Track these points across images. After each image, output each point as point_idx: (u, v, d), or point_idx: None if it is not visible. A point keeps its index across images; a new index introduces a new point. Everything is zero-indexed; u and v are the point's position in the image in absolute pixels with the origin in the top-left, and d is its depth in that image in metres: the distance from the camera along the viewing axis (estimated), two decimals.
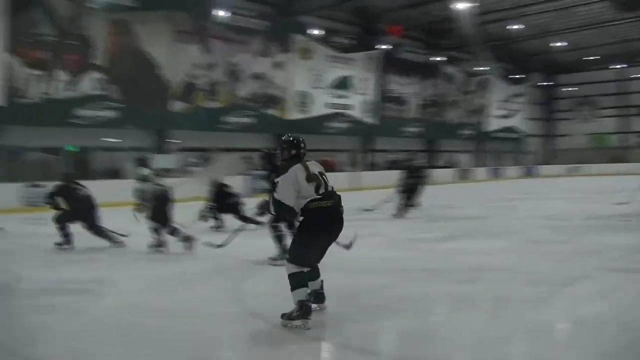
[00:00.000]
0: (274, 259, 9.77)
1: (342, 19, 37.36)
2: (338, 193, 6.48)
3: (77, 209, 11.77)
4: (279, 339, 5.97)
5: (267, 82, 33.43)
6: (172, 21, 28.72)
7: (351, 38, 38.04)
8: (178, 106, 29.46)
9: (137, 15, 27.27)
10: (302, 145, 6.54)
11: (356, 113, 38.85)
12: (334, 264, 7.23)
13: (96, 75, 26.23)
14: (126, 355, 5.67)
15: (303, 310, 6.10)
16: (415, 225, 16.16)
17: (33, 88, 24.32)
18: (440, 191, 27.72)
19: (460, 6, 29.99)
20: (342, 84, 37.78)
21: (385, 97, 41.17)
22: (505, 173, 48.66)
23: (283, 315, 6.18)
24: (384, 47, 39.11)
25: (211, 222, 14.86)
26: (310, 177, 6.23)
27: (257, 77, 32.89)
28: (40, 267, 10.18)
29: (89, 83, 25.98)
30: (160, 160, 26.73)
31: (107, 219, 12.22)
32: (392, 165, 36.10)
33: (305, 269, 6.30)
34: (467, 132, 49.16)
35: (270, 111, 33.75)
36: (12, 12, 23.36)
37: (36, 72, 24.40)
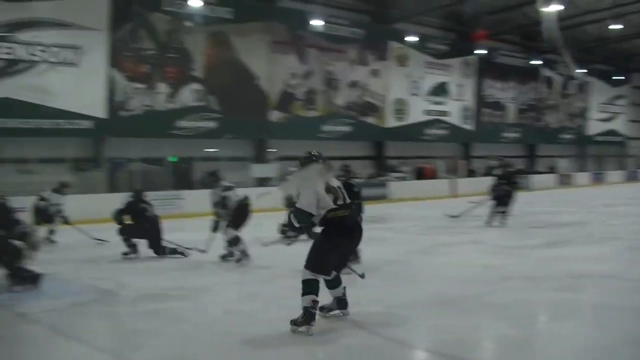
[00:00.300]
0: None
1: (437, 25, 35.94)
2: (360, 204, 7.03)
3: (143, 228, 11.90)
4: (376, 347, 5.88)
5: (363, 90, 32.46)
6: (269, 32, 28.33)
7: (447, 44, 36.55)
8: (276, 116, 28.93)
9: (234, 27, 27.03)
10: (321, 160, 6.81)
11: (454, 119, 37.32)
12: (436, 271, 7.73)
13: (195, 86, 26.15)
14: None
15: (307, 317, 6.16)
16: (515, 232, 15.34)
17: (135, 101, 24.44)
18: (541, 197, 26.46)
19: (554, 8, 28.18)
20: (439, 90, 36.36)
21: (483, 103, 39.37)
22: (607, 178, 45.87)
23: (291, 322, 6.24)
24: (480, 51, 37.44)
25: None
26: (329, 189, 6.43)
27: (353, 85, 31.97)
28: (142, 274, 10.20)
29: (189, 95, 25.92)
30: (259, 170, 26.50)
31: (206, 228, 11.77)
32: (490, 172, 34.50)
33: (320, 277, 6.36)
34: (567, 136, 46.56)
35: (368, 119, 32.74)
36: (114, 27, 23.57)
37: (138, 85, 24.56)
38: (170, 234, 12.08)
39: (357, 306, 7.07)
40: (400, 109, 34.11)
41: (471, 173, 37.05)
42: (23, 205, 13.27)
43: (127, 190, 20.90)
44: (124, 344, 6.23)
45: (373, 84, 32.82)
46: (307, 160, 6.85)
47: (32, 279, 8.60)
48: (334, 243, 6.42)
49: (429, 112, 35.81)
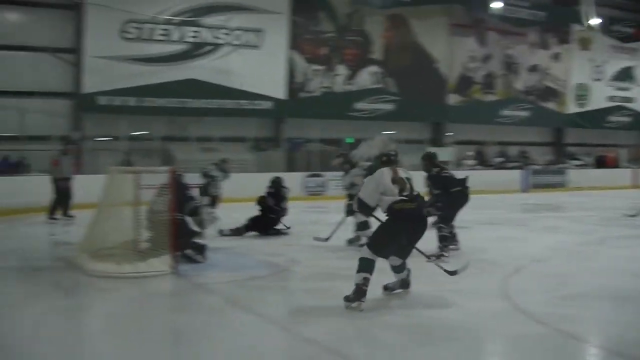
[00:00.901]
0: (431, 256, 8.11)
1: (624, 7, 31.98)
2: (423, 197, 6.53)
3: (281, 209, 11.79)
4: (546, 338, 5.42)
5: (544, 74, 29.32)
6: (448, 14, 26.35)
7: (634, 26, 32.51)
8: (454, 99, 26.83)
9: (413, 10, 25.36)
10: (393, 152, 6.66)
11: (639, 106, 33.24)
12: (611, 264, 7.25)
13: (374, 69, 24.90)
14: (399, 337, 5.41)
15: (358, 293, 6.08)
16: None
17: (314, 82, 23.81)
18: None
19: None
20: (624, 75, 32.05)
21: None
22: None
23: (344, 298, 6.15)
24: None
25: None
26: (395, 180, 6.32)
27: (533, 69, 28.95)
28: (313, 252, 9.76)
29: (367, 77, 24.81)
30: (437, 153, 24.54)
31: None
32: None
33: (377, 259, 6.24)
34: None
35: (547, 104, 29.54)
36: (295, 11, 22.94)
37: (317, 67, 23.87)
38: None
39: (525, 295, 6.76)
40: (582, 94, 30.53)
41: None
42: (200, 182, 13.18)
43: (305, 170, 20.47)
44: (294, 318, 6.11)
45: (554, 68, 29.58)
46: (381, 153, 6.69)
47: (200, 251, 8.58)
48: (394, 231, 6.28)
49: (612, 98, 31.74)
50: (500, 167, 26.46)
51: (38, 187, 13.95)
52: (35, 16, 19.89)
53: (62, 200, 13.90)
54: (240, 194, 15.42)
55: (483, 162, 26.76)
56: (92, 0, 19.20)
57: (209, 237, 9.36)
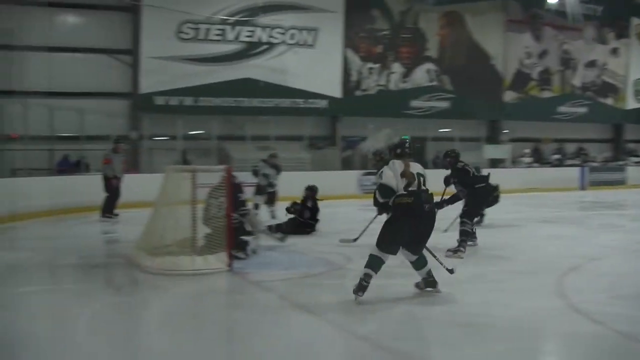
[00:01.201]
0: (452, 251, 8.51)
1: None
2: (431, 193, 6.15)
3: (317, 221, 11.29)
4: (603, 336, 5.08)
5: (601, 69, 27.95)
6: (504, 10, 25.36)
7: None
8: (510, 96, 25.76)
9: (468, 7, 24.59)
10: (407, 146, 6.40)
11: None
12: None
13: (429, 66, 24.07)
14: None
15: (358, 286, 5.98)
16: None
17: (369, 80, 23.18)
18: None
19: None
20: None
21: None
22: None
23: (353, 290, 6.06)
24: None
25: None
26: (405, 173, 6.09)
27: (591, 64, 27.62)
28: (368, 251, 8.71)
29: (422, 75, 24.00)
30: (492, 151, 23.76)
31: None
32: None
33: (384, 256, 6.04)
34: None
35: (605, 100, 28.17)
36: (349, 9, 22.42)
37: (372, 65, 23.22)
38: None
39: (580, 294, 6.42)
40: None
41: None
42: (255, 181, 12.92)
43: (360, 168, 19.80)
44: (350, 317, 5.75)
45: (612, 63, 28.18)
46: (395, 146, 6.45)
47: (242, 247, 8.40)
48: (394, 227, 6.11)
49: None
50: (557, 164, 25.29)
51: (97, 187, 13.66)
52: (93, 19, 19.83)
53: (112, 199, 13.60)
54: (296, 193, 14.85)
55: (540, 159, 25.62)
56: (149, 2, 18.95)
57: (261, 236, 9.10)
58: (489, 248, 9.28)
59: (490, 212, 11.85)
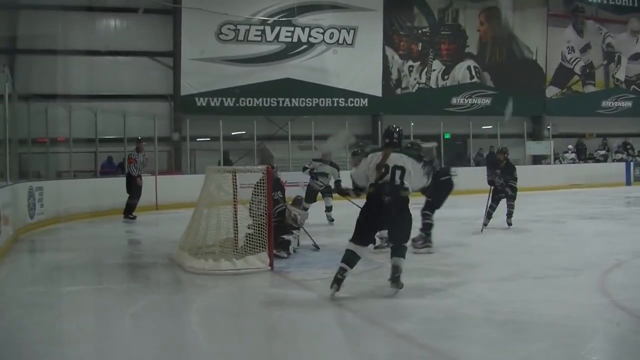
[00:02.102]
0: (419, 247, 8.43)
1: None
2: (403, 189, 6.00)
3: None
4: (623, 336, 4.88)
5: None
6: (545, 5, 24.64)
7: None
8: (552, 91, 24.99)
9: (508, 2, 23.80)
10: (395, 135, 6.21)
11: None
12: None
13: (469, 63, 23.48)
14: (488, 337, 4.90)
15: (333, 280, 5.96)
16: None
17: (409, 78, 22.68)
18: None
19: None
20: None
21: None
22: None
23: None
24: None
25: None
26: (380, 165, 5.99)
27: (636, 57, 26.61)
28: (411, 248, 8.35)
29: (463, 72, 23.41)
30: (535, 147, 23.18)
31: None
32: None
33: (359, 249, 6.05)
34: None
35: None
36: (389, 7, 22.04)
37: (412, 63, 22.74)
38: (445, 210, 9.56)
39: (625, 291, 6.16)
40: None
41: None
42: (296, 181, 13.14)
43: None
44: (391, 314, 5.64)
45: None
46: (384, 134, 6.34)
47: (283, 246, 8.29)
48: (359, 217, 6.14)
49: None
50: (602, 159, 24.41)
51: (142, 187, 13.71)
52: (134, 22, 19.77)
53: (134, 199, 13.57)
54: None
55: (584, 155, 24.76)
56: (189, 5, 18.73)
57: (302, 234, 8.99)
58: (532, 245, 9.09)
59: (534, 209, 11.88)
